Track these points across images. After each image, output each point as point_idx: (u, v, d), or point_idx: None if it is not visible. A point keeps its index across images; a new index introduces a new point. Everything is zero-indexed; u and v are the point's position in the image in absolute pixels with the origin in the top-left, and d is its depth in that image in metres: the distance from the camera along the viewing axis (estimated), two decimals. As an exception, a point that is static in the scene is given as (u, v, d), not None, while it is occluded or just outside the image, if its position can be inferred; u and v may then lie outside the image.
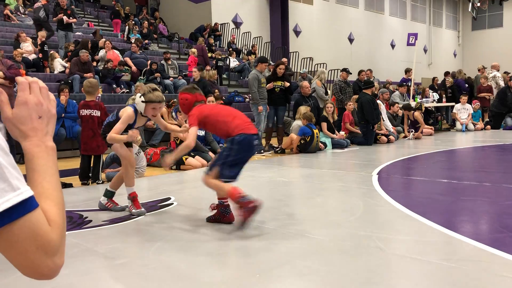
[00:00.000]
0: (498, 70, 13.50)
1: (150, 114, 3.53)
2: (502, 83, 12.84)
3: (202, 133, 6.88)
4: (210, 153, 6.76)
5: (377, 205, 3.74)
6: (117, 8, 15.77)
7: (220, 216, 3.27)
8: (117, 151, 3.74)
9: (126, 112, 3.54)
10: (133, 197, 3.66)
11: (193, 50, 12.94)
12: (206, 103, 3.48)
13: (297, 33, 19.42)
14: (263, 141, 8.35)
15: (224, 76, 13.86)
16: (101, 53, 10.96)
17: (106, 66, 10.40)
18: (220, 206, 3.28)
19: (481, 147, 8.32)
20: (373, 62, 21.40)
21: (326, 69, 16.78)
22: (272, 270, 2.34)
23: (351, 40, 22.11)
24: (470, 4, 22.41)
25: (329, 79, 14.68)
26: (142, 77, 10.92)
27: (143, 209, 3.65)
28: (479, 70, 14.29)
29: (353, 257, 2.50)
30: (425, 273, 2.24)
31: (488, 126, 12.14)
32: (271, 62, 13.08)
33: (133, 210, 3.63)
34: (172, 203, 4.02)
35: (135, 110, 3.55)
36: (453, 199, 4.00)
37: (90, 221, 3.50)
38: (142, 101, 3.45)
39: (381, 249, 2.60)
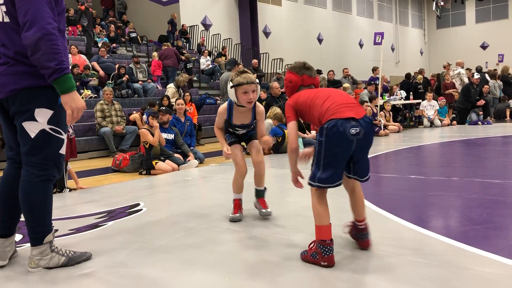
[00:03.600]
0: (462, 67, 13.87)
1: (244, 100, 3.05)
2: (466, 80, 13.21)
3: (171, 136, 6.81)
4: (180, 156, 6.69)
5: (346, 203, 3.76)
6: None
7: (318, 253, 2.35)
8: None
9: (219, 109, 3.33)
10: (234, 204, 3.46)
11: (155, 54, 12.81)
12: (317, 87, 2.68)
13: (267, 34, 19.50)
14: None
15: (195, 78, 13.78)
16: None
17: (72, 71, 10.19)
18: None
19: (448, 143, 8.53)
20: (342, 61, 21.67)
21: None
22: (242, 274, 2.32)
23: (320, 40, 22.34)
24: (434, 3, 22.97)
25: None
26: (110, 81, 10.75)
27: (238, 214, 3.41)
28: (444, 67, 14.67)
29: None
30: (395, 269, 2.26)
31: (454, 122, 12.46)
32: (241, 63, 13.07)
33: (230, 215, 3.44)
34: (141, 209, 3.96)
35: (230, 103, 3.21)
36: (421, 195, 4.07)
37: (56, 230, 3.40)
38: (231, 87, 3.04)
39: (351, 247, 2.62)
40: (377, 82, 12.16)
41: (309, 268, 2.34)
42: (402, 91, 13.66)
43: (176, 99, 8.32)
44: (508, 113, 12.83)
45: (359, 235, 2.59)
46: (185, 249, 2.78)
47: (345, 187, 2.62)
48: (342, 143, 2.27)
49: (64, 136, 2.47)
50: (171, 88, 10.45)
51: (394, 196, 4.14)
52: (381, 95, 12.19)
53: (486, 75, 13.92)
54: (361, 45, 24.98)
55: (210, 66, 14.52)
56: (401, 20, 29.07)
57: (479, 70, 14.34)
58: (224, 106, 3.29)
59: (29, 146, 2.38)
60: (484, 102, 12.46)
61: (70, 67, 10.09)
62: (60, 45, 2.25)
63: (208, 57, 14.93)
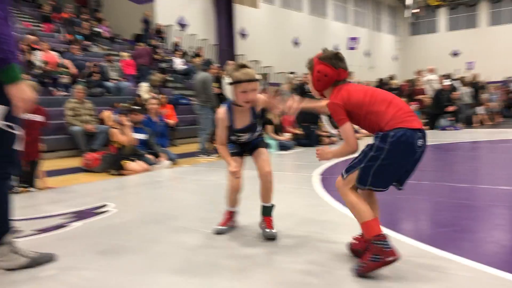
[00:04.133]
0: (433, 74, 14.16)
1: (241, 100, 2.72)
2: (436, 86, 13.50)
3: (143, 136, 6.71)
4: (152, 157, 6.60)
5: (318, 205, 3.79)
6: (58, 6, 15.15)
7: (378, 253, 2.14)
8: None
9: (217, 115, 2.89)
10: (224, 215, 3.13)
11: (124, 54, 12.62)
12: (348, 82, 2.43)
13: (243, 36, 19.48)
14: (207, 145, 8.27)
15: (169, 78, 13.64)
16: (37, 54, 10.46)
17: (42, 68, 9.94)
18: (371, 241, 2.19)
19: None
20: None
21: (272, 72, 16.98)
22: (208, 277, 2.29)
23: (296, 43, 22.47)
24: (408, 11, 23.42)
25: (274, 81, 14.82)
26: (82, 80, 10.53)
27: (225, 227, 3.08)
28: (416, 74, 14.98)
29: (293, 257, 2.50)
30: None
31: (426, 127, 12.70)
32: (216, 64, 13.01)
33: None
34: (109, 210, 3.87)
35: (229, 106, 2.83)
36: (391, 198, 4.12)
37: (20, 230, 3.29)
38: (229, 84, 2.71)
39: (317, 249, 2.63)
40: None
41: (272, 269, 2.33)
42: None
43: (149, 99, 8.21)
44: (475, 119, 13.17)
45: (378, 243, 2.28)
46: (152, 251, 2.73)
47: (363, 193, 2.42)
48: (408, 154, 2.17)
49: (19, 131, 2.37)
50: (144, 87, 10.31)
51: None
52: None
53: (456, 81, 14.26)
54: (337, 50, 25.28)
55: (185, 66, 14.40)
56: (375, 26, 29.54)
57: (449, 77, 14.67)
58: (222, 111, 2.85)
59: None
60: (454, 108, 12.75)
61: (42, 64, 9.86)
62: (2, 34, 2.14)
63: (182, 59, 14.81)
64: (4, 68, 2.15)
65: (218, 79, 8.50)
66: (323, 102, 2.46)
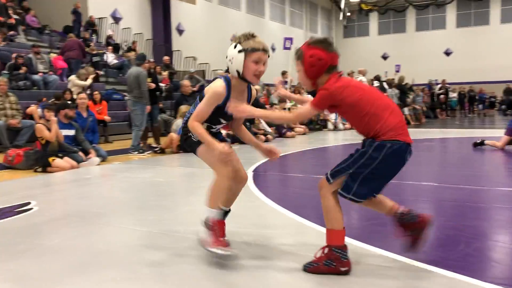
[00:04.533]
0: (364, 75, 14.75)
1: (252, 72, 2.29)
2: (367, 87, 14.08)
3: (71, 132, 6.44)
4: (81, 153, 6.35)
5: (249, 202, 3.83)
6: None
7: (334, 260, 2.16)
8: (204, 158, 2.45)
9: (213, 87, 2.35)
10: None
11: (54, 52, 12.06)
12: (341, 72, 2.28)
13: (180, 31, 19.22)
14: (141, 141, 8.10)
15: (102, 72, 13.17)
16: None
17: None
18: (332, 248, 2.20)
19: (349, 145, 9.03)
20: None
21: (209, 69, 16.90)
22: (135, 271, 2.25)
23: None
24: (341, 14, 24.23)
25: (211, 78, 14.72)
26: (6, 71, 9.90)
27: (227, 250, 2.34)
28: (348, 75, 15.52)
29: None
30: (295, 266, 2.33)
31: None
32: (151, 60, 12.75)
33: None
34: (31, 208, 3.69)
35: (228, 82, 2.38)
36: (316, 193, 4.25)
37: None
38: (240, 51, 2.28)
39: (246, 244, 2.66)
40: (286, 86, 12.54)
41: (191, 266, 2.33)
42: (309, 96, 14.20)
43: (79, 93, 7.89)
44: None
45: (405, 219, 2.29)
46: (76, 250, 2.63)
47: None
48: (398, 167, 2.19)
49: None
50: (73, 81, 9.89)
51: (297, 195, 4.29)
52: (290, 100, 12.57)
53: (384, 83, 14.95)
54: (273, 49, 25.59)
55: (117, 61, 13.97)
56: (311, 28, 30.28)
57: (378, 78, 15.33)
58: (222, 85, 2.36)
59: None
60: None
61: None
62: None
63: (116, 53, 14.35)
64: None
65: (151, 74, 8.35)
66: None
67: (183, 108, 8.06)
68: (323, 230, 2.90)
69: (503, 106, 22.74)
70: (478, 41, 29.23)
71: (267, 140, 9.62)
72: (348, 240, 2.66)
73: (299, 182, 4.97)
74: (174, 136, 7.68)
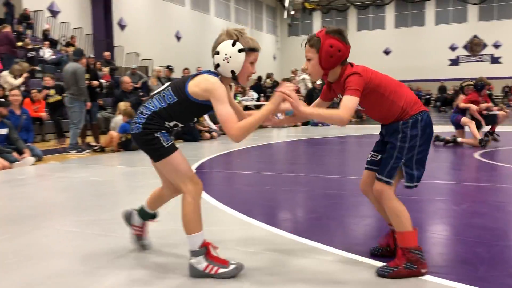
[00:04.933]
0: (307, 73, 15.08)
1: (247, 73, 2.17)
2: (310, 85, 14.38)
3: (4, 131, 6.10)
4: (15, 153, 6.03)
5: (189, 199, 3.80)
6: None
7: (415, 262, 2.08)
8: (169, 169, 2.17)
9: (217, 84, 2.07)
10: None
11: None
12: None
13: (122, 26, 18.70)
14: (79, 140, 7.81)
15: (38, 68, 12.57)
16: None
17: None
18: (409, 256, 2.09)
19: (293, 142, 9.19)
20: (201, 61, 21.83)
21: (152, 65, 16.57)
22: (66, 274, 2.18)
23: (178, 37, 22.21)
24: (286, 12, 24.53)
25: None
26: None
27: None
28: (292, 73, 15.79)
29: (156, 252, 2.48)
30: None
31: (299, 123, 13.47)
32: (91, 55, 12.32)
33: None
34: (-44, 212, 3.46)
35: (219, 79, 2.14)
36: (259, 190, 4.30)
37: None
38: (240, 50, 2.10)
39: (184, 242, 2.64)
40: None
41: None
42: (253, 93, 14.30)
43: (11, 90, 7.49)
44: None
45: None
46: (3, 253, 2.50)
47: (365, 190, 2.33)
48: (431, 135, 2.17)
49: None
50: (4, 77, 9.37)
51: (238, 192, 4.31)
52: (235, 96, 12.60)
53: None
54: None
55: (55, 56, 13.37)
56: (256, 25, 30.45)
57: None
58: (219, 81, 2.11)
59: None
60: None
61: None
62: None
63: (51, 49, 13.72)
64: None
65: (91, 71, 8.08)
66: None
67: (122, 105, 7.86)
68: (265, 226, 2.94)
69: (438, 103, 24.06)
70: (415, 41, 30.63)
71: (212, 138, 9.60)
72: (291, 236, 2.72)
73: (243, 179, 4.99)
74: (114, 134, 7.47)
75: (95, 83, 7.70)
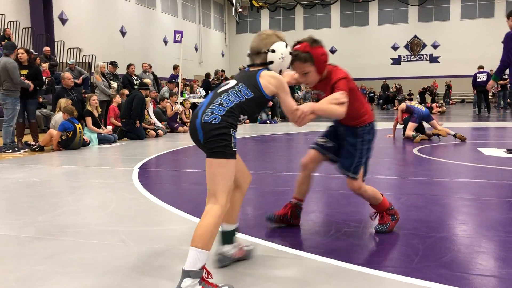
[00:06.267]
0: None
1: (297, 77, 2.54)
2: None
3: None
4: None
5: (132, 199, 3.71)
6: None
7: (394, 214, 2.74)
8: (224, 171, 2.00)
9: (278, 76, 2.16)
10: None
11: None
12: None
13: (63, 21, 17.95)
14: (15, 139, 7.43)
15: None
16: None
17: None
18: (388, 213, 2.74)
19: (241, 139, 9.19)
20: (147, 57, 21.38)
21: (95, 61, 16.02)
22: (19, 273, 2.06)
23: (123, 33, 21.61)
24: (234, 9, 24.51)
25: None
26: None
27: None
28: (240, 70, 15.77)
29: (96, 253, 2.40)
30: (168, 261, 2.30)
31: (247, 121, 13.51)
32: (33, 51, 11.74)
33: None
34: None
35: None
36: (204, 188, 4.26)
37: None
38: (290, 53, 2.30)
39: (124, 242, 2.57)
40: (178, 80, 12.37)
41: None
42: (201, 89, 14.18)
43: None
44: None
45: (299, 212, 2.83)
46: None
47: (307, 165, 2.77)
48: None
49: None
50: None
51: (181, 190, 4.25)
52: (181, 93, 12.44)
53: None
54: (165, 42, 25.07)
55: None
56: (204, 22, 30.19)
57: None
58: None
59: None
60: (271, 103, 13.82)
61: None
62: None
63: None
64: None
65: (31, 67, 7.68)
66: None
67: (63, 102, 7.55)
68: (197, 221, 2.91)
69: (381, 101, 24.94)
70: (359, 40, 31.58)
71: (157, 135, 9.42)
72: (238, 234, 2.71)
73: (190, 177, 4.93)
74: (54, 132, 7.17)
75: (30, 85, 7.25)
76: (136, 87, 9.90)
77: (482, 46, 28.61)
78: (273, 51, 2.21)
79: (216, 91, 2.14)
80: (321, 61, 2.44)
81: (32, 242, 2.63)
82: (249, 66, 2.29)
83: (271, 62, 2.21)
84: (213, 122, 1.97)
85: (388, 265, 2.20)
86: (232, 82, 2.16)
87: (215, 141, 1.97)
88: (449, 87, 27.06)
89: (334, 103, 2.29)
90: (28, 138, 8.02)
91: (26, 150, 7.24)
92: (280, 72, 2.25)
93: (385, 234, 2.65)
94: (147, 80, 11.70)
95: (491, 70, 19.96)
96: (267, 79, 2.12)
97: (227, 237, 2.25)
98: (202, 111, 2.03)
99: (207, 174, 2.03)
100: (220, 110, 2.00)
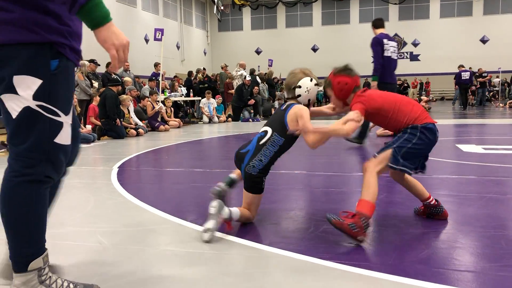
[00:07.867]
0: (244, 69, 15.01)
1: (313, 100, 2.92)
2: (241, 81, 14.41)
3: None
4: None
5: (110, 199, 3.66)
6: None
7: (359, 226, 2.40)
8: (255, 202, 2.83)
9: (304, 108, 2.75)
10: None
11: None
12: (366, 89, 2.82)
13: (41, 18, 17.64)
14: (-8, 138, 7.28)
15: None
16: None
17: None
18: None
19: (224, 137, 9.17)
20: (128, 54, 21.15)
21: (75, 59, 15.77)
22: None
23: (103, 31, 21.34)
24: (215, 7, 24.41)
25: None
26: None
27: None
28: (222, 68, 15.74)
29: (74, 255, 2.35)
30: (147, 262, 2.27)
31: (230, 119, 13.49)
32: None
33: None
34: None
35: None
36: (186, 187, 4.23)
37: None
38: (316, 84, 2.85)
39: (100, 244, 2.53)
40: (159, 78, 12.27)
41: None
42: (183, 88, 14.09)
43: None
44: (273, 111, 14.50)
45: (434, 210, 2.83)
46: None
47: (394, 178, 2.85)
48: (433, 142, 2.64)
49: (64, 119, 1.68)
50: None
51: (160, 189, 4.21)
52: (163, 91, 12.34)
53: (257, 77, 15.45)
54: (146, 40, 24.83)
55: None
56: (185, 20, 30.00)
57: (251, 72, 15.80)
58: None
59: (11, 130, 1.62)
60: (254, 101, 13.81)
61: None
62: None
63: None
64: (90, 4, 1.58)
65: None
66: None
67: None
68: (192, 225, 2.88)
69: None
70: (341, 38, 31.76)
71: (138, 134, 9.33)
72: (219, 234, 2.69)
73: (170, 176, 4.88)
74: None
75: None
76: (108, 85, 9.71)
77: (460, 44, 29.11)
78: (299, 86, 2.79)
79: (258, 143, 2.77)
80: (336, 88, 2.74)
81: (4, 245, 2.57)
82: (285, 99, 2.93)
83: (299, 95, 2.80)
84: (253, 173, 2.71)
85: (366, 262, 2.20)
86: (269, 131, 2.77)
87: (251, 184, 2.74)
88: (422, 84, 27.72)
89: (343, 122, 2.55)
90: (3, 138, 7.85)
91: (3, 150, 7.09)
92: (309, 101, 2.82)
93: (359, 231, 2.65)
94: (127, 79, 11.59)
95: (470, 68, 20.33)
96: (291, 117, 2.71)
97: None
98: (248, 159, 2.74)
99: (245, 200, 2.79)
100: (259, 165, 2.71)
